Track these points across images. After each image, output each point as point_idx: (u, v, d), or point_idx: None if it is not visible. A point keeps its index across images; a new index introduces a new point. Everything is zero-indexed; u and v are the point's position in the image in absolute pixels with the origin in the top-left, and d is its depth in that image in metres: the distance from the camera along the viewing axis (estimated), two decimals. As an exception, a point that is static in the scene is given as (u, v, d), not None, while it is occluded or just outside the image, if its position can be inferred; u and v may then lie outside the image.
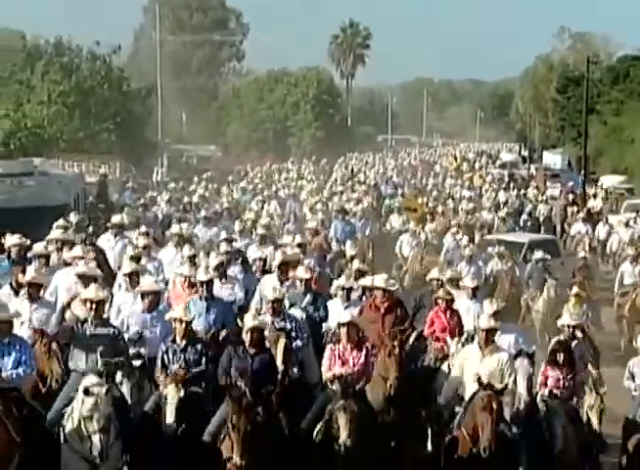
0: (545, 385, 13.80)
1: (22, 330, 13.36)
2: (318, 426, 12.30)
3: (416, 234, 27.11)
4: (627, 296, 23.34)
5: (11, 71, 58.34)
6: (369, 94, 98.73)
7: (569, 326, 14.92)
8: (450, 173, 56.55)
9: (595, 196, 43.43)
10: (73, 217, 22.16)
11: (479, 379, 12.45)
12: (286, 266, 16.63)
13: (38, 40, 61.10)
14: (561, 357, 13.84)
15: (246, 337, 12.75)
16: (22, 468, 11.34)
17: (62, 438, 11.59)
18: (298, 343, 13.96)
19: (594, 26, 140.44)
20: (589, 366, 14.90)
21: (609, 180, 50.43)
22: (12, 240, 18.16)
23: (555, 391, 13.69)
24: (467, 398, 12.86)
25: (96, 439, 11.17)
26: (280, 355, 13.40)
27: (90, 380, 11.52)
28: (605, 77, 63.99)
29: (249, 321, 12.90)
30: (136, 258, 17.42)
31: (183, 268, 16.64)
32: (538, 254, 24.70)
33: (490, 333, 13.35)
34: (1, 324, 12.24)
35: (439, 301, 15.61)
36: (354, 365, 12.85)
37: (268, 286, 15.49)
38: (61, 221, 21.05)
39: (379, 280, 15.07)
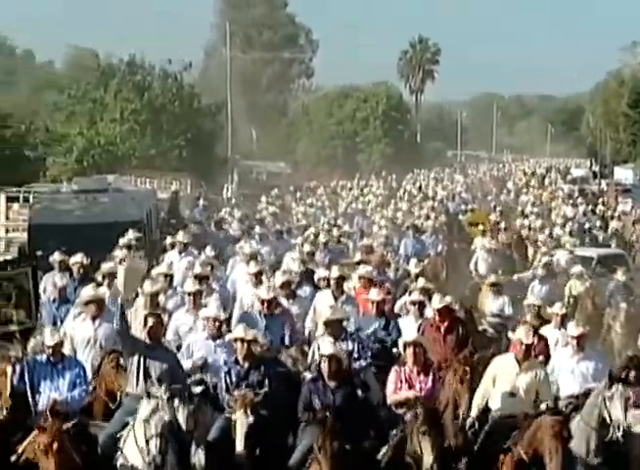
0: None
1: (87, 349, 13.51)
2: (384, 449, 11.99)
3: (491, 251, 26.27)
4: None
5: (85, 90, 58.95)
6: (438, 109, 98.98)
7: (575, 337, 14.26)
8: (524, 190, 56.56)
9: None
10: (132, 235, 21.87)
11: (546, 405, 12.17)
12: (342, 281, 16.29)
13: (111, 59, 62.01)
14: (632, 375, 13.23)
15: (323, 365, 12.25)
16: None
17: (119, 462, 11.42)
18: (362, 363, 13.51)
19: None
20: None
21: (680, 195, 50.44)
22: (74, 258, 18.12)
23: (632, 410, 12.73)
24: (495, 408, 12.53)
25: (152, 444, 11.07)
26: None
27: (153, 388, 11.45)
28: (679, 92, 64.05)
29: (326, 348, 12.47)
30: (200, 278, 16.81)
31: (261, 291, 15.79)
32: (619, 273, 23.82)
33: (528, 347, 12.85)
34: (56, 347, 12.06)
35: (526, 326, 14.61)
36: (421, 390, 12.48)
37: (323, 302, 15.41)
38: (125, 239, 21.19)
39: (435, 301, 14.73)
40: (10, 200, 35.46)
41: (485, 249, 26.22)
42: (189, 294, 15.44)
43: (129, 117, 57.51)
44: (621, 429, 12.18)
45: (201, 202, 41.60)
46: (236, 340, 12.58)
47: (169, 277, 17.90)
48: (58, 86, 64.42)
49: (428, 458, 11.30)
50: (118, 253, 19.27)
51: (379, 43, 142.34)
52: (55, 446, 10.69)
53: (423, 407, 11.72)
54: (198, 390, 12.72)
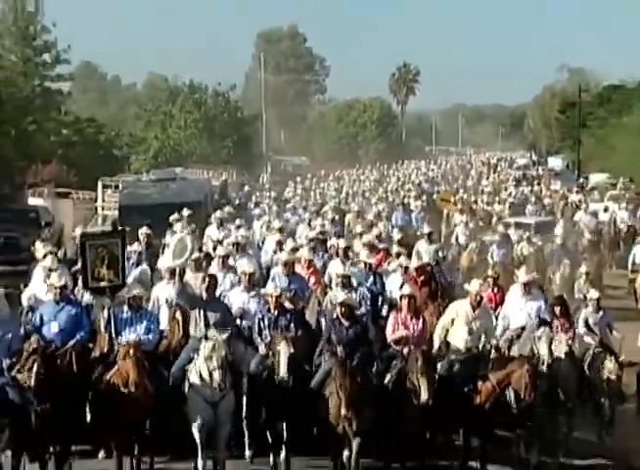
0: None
1: (163, 308, 13.03)
2: (388, 377, 11.58)
3: (467, 225, 25.43)
4: (637, 273, 22.11)
5: (158, 105, 58.85)
6: (418, 116, 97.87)
7: (594, 299, 14.02)
8: (483, 175, 55.85)
9: (577, 192, 41.57)
10: (185, 212, 20.96)
11: (520, 356, 11.80)
12: (347, 249, 15.75)
13: (177, 82, 61.47)
14: (557, 310, 13.12)
15: (338, 310, 11.87)
16: (152, 413, 10.93)
17: (186, 387, 11.06)
18: (362, 310, 12.99)
19: (587, 62, 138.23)
20: (614, 332, 13.83)
21: (596, 177, 49.55)
22: (141, 230, 17.47)
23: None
24: (454, 343, 12.05)
25: (216, 374, 10.64)
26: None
27: (210, 331, 11.14)
28: (593, 101, 63.13)
29: (339, 296, 12.11)
30: (233, 244, 16.20)
31: (303, 251, 15.51)
32: (558, 238, 23.58)
33: (481, 296, 12.35)
34: (135, 299, 11.83)
35: (488, 279, 14.42)
36: (414, 330, 11.99)
37: (335, 266, 14.62)
38: (175, 215, 20.60)
39: (414, 262, 14.45)
40: (104, 187, 35.31)
41: (462, 224, 25.35)
42: (219, 256, 14.84)
43: (191, 125, 57.19)
44: (545, 363, 11.90)
45: (245, 188, 41.71)
46: (268, 295, 12.29)
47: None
48: (138, 103, 64.43)
49: (424, 395, 10.95)
50: (175, 226, 19.04)
51: (373, 68, 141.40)
52: (131, 352, 10.60)
53: (420, 352, 11.34)
54: (245, 326, 12.42)
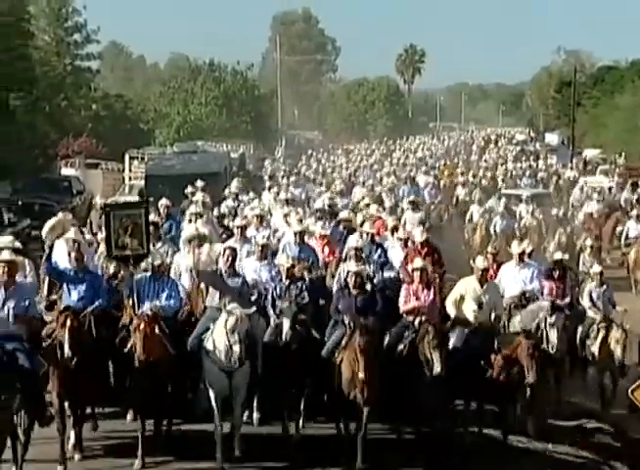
0: (542, 294, 12.92)
1: (188, 274, 12.63)
2: (400, 347, 11.28)
3: (482, 203, 24.94)
4: (631, 246, 21.89)
5: (180, 83, 58.66)
6: (424, 95, 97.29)
7: (599, 273, 13.65)
8: (486, 150, 55.66)
9: (572, 168, 41.75)
10: (199, 183, 20.59)
11: (526, 331, 11.42)
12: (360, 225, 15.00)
13: (198, 61, 61.40)
14: (555, 273, 13.02)
15: (350, 279, 11.53)
16: (173, 373, 10.69)
17: (203, 354, 10.73)
18: (375, 281, 12.59)
19: (582, 44, 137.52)
20: (617, 306, 13.50)
21: (589, 152, 49.80)
22: (161, 201, 16.56)
23: (549, 297, 12.72)
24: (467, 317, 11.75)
25: (236, 347, 10.27)
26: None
27: (233, 305, 10.74)
28: (588, 81, 62.95)
29: (352, 267, 11.77)
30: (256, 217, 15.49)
31: (317, 226, 14.98)
32: (555, 210, 23.72)
33: (486, 271, 12.08)
34: (158, 267, 11.48)
35: (489, 256, 13.72)
36: (425, 301, 11.67)
37: (351, 240, 13.86)
38: (190, 188, 20.19)
39: (417, 235, 13.81)
40: (131, 158, 35.27)
41: (477, 203, 24.72)
42: (237, 227, 14.24)
43: (211, 102, 57.06)
44: (555, 349, 11.77)
45: (266, 162, 41.85)
46: (281, 265, 12.02)
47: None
48: (162, 80, 64.01)
49: (437, 366, 10.65)
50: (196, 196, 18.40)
51: (381, 49, 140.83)
52: (142, 326, 10.27)
53: (433, 326, 11.01)
54: (253, 298, 11.97)
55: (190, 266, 12.60)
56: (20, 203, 26.73)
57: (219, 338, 10.53)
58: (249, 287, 11.89)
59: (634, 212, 23.60)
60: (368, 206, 18.27)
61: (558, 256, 13.75)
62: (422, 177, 30.53)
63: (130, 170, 34.77)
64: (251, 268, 12.60)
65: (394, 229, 15.18)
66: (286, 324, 11.11)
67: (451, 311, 11.93)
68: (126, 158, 35.30)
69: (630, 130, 46.57)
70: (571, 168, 42.67)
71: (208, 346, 10.69)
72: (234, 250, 12.00)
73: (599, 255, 19.54)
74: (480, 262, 12.10)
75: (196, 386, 11.17)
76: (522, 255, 13.30)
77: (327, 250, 14.06)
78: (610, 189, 31.51)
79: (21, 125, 34.97)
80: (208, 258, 12.79)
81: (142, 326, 10.24)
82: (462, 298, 11.90)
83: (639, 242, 21.86)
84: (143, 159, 34.41)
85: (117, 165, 37.05)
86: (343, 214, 16.35)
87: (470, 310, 11.80)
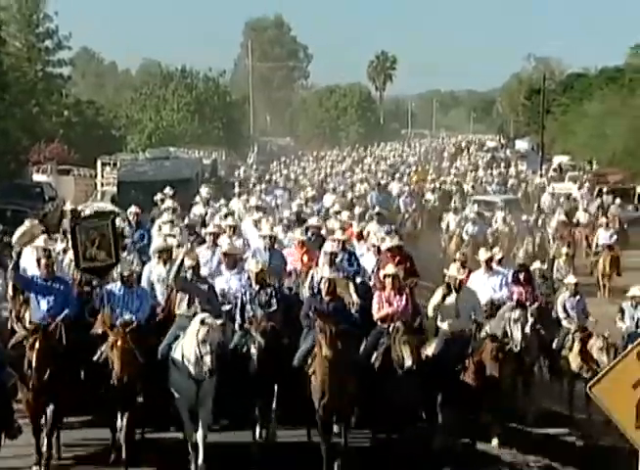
0: (511, 299, 12.84)
1: (160, 284, 12.43)
2: (375, 354, 11.15)
3: (458, 212, 25.26)
4: (599, 254, 22.22)
5: (152, 89, 58.73)
6: (395, 101, 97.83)
7: (574, 283, 13.65)
8: (458, 157, 56.15)
9: (541, 175, 42.59)
10: (168, 190, 20.52)
11: (491, 335, 11.41)
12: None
13: (169, 67, 61.42)
14: (522, 276, 13.13)
15: (323, 286, 11.44)
16: (145, 382, 10.61)
17: (170, 363, 10.64)
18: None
19: (553, 52, 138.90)
20: (590, 317, 13.57)
21: (558, 159, 50.50)
22: (130, 209, 16.51)
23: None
24: (444, 326, 11.73)
25: (207, 358, 10.16)
26: (354, 294, 12.32)
27: (204, 314, 10.61)
28: (557, 88, 63.74)
29: (325, 272, 11.66)
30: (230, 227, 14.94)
31: (296, 233, 14.69)
32: (525, 216, 24.10)
33: (461, 280, 11.91)
34: (128, 277, 11.34)
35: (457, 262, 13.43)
36: (398, 307, 11.55)
37: (326, 246, 13.31)
38: (159, 195, 20.16)
39: (388, 242, 13.74)
40: (103, 164, 35.47)
41: (452, 212, 25.07)
42: (209, 234, 14.24)
43: (183, 108, 57.23)
44: (518, 346, 11.75)
45: (242, 168, 42.00)
46: (250, 271, 11.79)
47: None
48: (133, 87, 64.08)
49: (408, 361, 10.63)
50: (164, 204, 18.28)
51: (353, 56, 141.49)
52: (119, 343, 10.17)
53: (402, 322, 11.03)
54: (226, 308, 11.93)
55: (162, 277, 12.42)
56: (-9, 209, 26.80)
57: (189, 347, 10.41)
58: (216, 294, 11.81)
59: (603, 220, 23.80)
60: (339, 213, 18.30)
61: (520, 259, 14.09)
62: (395, 185, 30.91)
63: (102, 176, 35.02)
64: (222, 279, 12.50)
65: (360, 235, 15.33)
66: (257, 337, 10.88)
67: (430, 313, 11.93)
68: (98, 164, 35.58)
69: (598, 137, 47.28)
70: (541, 175, 43.34)
71: (177, 355, 10.59)
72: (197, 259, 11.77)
73: (573, 262, 19.47)
74: (452, 270, 11.95)
75: (165, 395, 10.92)
76: (489, 262, 13.21)
77: (306, 257, 13.79)
78: (580, 197, 31.84)
79: (-7, 132, 35.01)
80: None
81: (119, 343, 10.16)
82: (439, 305, 11.82)
83: (607, 250, 22.05)
84: (115, 165, 34.65)
85: (90, 172, 37.21)
86: (312, 221, 16.27)
87: (446, 319, 11.73)
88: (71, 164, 38.59)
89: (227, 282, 12.45)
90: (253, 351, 10.84)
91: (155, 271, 12.74)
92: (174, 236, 14.21)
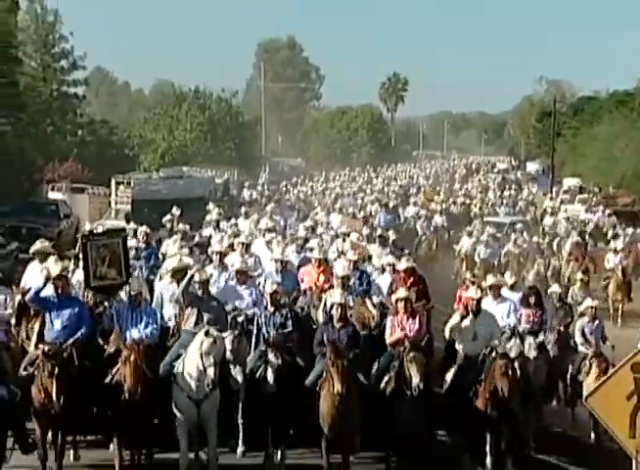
0: (519, 322, 12.73)
1: (171, 304, 12.39)
2: (386, 378, 11.08)
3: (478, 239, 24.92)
4: (609, 278, 21.64)
5: (165, 109, 59.23)
6: (406, 123, 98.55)
7: (592, 307, 13.62)
8: (469, 179, 56.42)
9: (551, 198, 42.74)
10: (176, 211, 20.52)
11: (500, 352, 11.11)
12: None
13: (183, 88, 61.98)
14: (532, 299, 12.95)
15: (335, 312, 11.41)
16: (154, 402, 10.56)
17: (173, 381, 10.59)
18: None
19: (565, 74, 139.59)
20: (607, 342, 13.46)
21: (568, 181, 50.85)
22: (140, 228, 16.47)
23: (526, 325, 12.74)
24: (461, 349, 11.67)
25: (210, 371, 10.13)
26: (372, 309, 12.58)
27: (209, 327, 10.62)
28: (568, 111, 64.27)
29: (336, 298, 11.60)
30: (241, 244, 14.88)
31: (314, 253, 14.57)
32: (535, 238, 24.19)
33: (479, 301, 11.86)
34: (137, 296, 11.33)
35: (467, 282, 14.08)
36: (410, 331, 11.49)
37: (338, 267, 13.28)
38: (168, 216, 20.11)
39: (403, 263, 13.64)
40: (118, 183, 35.63)
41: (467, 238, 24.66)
42: (216, 252, 14.14)
43: (196, 128, 57.61)
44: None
45: (246, 185, 42.39)
46: (265, 293, 11.92)
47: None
48: (146, 106, 64.76)
49: (415, 379, 10.49)
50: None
51: (365, 77, 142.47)
52: (132, 357, 10.21)
53: (409, 341, 11.01)
54: (240, 319, 12.04)
55: (176, 296, 12.23)
56: (7, 226, 27.31)
57: (191, 362, 10.39)
58: (225, 311, 11.83)
59: (612, 245, 23.29)
60: (347, 235, 18.11)
61: (530, 282, 14.00)
62: (411, 208, 30.87)
63: (116, 195, 35.20)
64: (234, 293, 12.53)
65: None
66: (270, 377, 10.86)
67: (448, 335, 11.87)
68: (112, 182, 35.73)
69: (607, 159, 47.64)
70: (551, 198, 43.61)
71: (178, 373, 10.54)
72: (207, 280, 11.81)
73: (588, 288, 18.92)
74: (471, 292, 11.87)
75: (168, 415, 10.82)
76: (494, 288, 12.65)
77: (322, 277, 13.75)
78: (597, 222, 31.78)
79: (10, 150, 35.56)
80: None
81: (132, 358, 10.19)
82: (457, 327, 11.75)
83: (617, 273, 21.67)
84: (129, 183, 34.88)
85: (104, 190, 37.47)
86: (312, 244, 16.22)
87: (463, 343, 11.69)
88: (85, 183, 39.07)
89: (240, 298, 12.48)
90: (270, 374, 10.84)
91: (167, 291, 12.67)
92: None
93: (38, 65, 47.90)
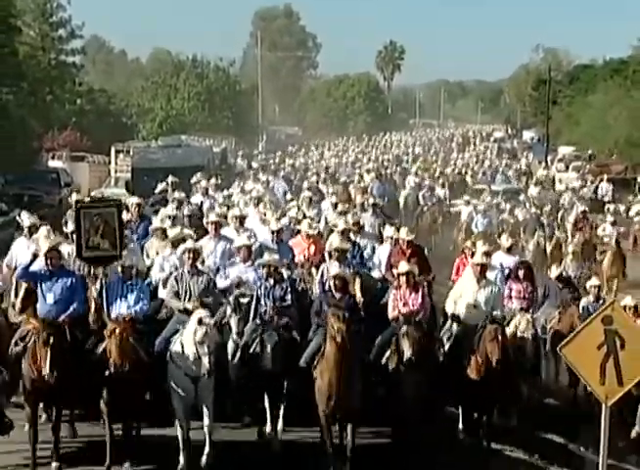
0: (510, 297, 12.42)
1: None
2: (388, 353, 10.93)
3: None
4: (604, 253, 20.42)
5: (163, 78, 59.46)
6: (403, 91, 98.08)
7: (596, 286, 13.24)
8: (466, 148, 56.35)
9: (546, 168, 42.74)
10: (170, 178, 20.30)
11: (492, 318, 11.00)
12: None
13: (180, 56, 62.43)
14: (521, 273, 12.58)
15: (331, 282, 11.25)
16: (145, 379, 10.34)
17: (169, 357, 10.41)
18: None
19: (562, 42, 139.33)
20: None
21: (564, 149, 51.45)
22: (131, 200, 15.80)
23: (516, 301, 12.38)
24: (461, 318, 11.50)
25: (205, 360, 9.98)
26: (358, 291, 12.05)
27: (202, 312, 10.33)
28: (564, 80, 64.56)
29: (333, 269, 11.48)
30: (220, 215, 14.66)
31: (303, 226, 14.32)
32: (533, 208, 23.73)
33: (483, 268, 11.68)
34: (128, 269, 11.16)
35: (466, 251, 13.56)
36: (413, 305, 11.31)
37: (333, 240, 12.92)
38: (163, 184, 20.05)
39: (403, 233, 13.41)
40: (117, 152, 35.98)
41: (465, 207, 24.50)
42: (211, 222, 13.70)
43: (193, 97, 57.90)
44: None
45: (240, 153, 42.77)
46: (265, 265, 11.67)
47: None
48: (144, 75, 64.87)
49: (407, 352, 10.42)
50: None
51: (361, 46, 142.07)
52: (117, 331, 9.95)
53: (402, 315, 10.90)
54: (245, 301, 11.67)
55: (176, 265, 12.23)
56: (10, 194, 27.93)
57: (188, 346, 10.21)
58: (215, 286, 11.68)
59: (609, 218, 22.74)
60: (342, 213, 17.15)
61: (530, 252, 13.91)
62: (411, 178, 30.58)
63: (116, 163, 35.55)
64: (237, 269, 12.31)
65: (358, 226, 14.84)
66: (269, 355, 10.71)
67: (450, 310, 11.69)
68: (112, 151, 36.11)
69: (601, 128, 48.09)
70: (545, 168, 43.94)
71: (176, 349, 10.36)
72: (196, 250, 11.65)
73: (581, 261, 18.47)
74: (476, 258, 11.73)
75: (163, 390, 10.67)
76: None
77: (313, 248, 13.61)
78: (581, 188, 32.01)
79: (12, 119, 36.04)
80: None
81: (117, 331, 9.94)
82: (460, 296, 11.60)
83: (611, 250, 20.64)
84: (128, 152, 35.24)
85: (103, 158, 37.87)
86: (292, 213, 16.25)
87: (463, 310, 11.53)
88: (84, 152, 39.52)
89: (243, 274, 12.21)
90: (268, 347, 10.70)
91: (168, 262, 12.60)
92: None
93: (37, 34, 48.20)
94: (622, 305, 11.86)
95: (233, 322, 11.24)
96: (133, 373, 9.91)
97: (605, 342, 8.61)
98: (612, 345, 8.57)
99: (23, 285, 11.65)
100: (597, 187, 33.33)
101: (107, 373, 9.95)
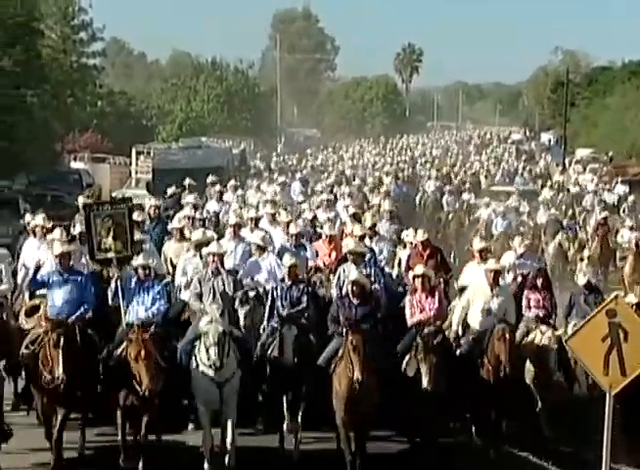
0: (529, 308, 12.25)
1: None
2: (407, 357, 10.79)
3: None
4: (625, 259, 19.95)
5: (183, 80, 59.98)
6: (421, 93, 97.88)
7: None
8: (484, 149, 56.42)
9: (563, 171, 42.56)
10: (187, 181, 20.56)
11: (500, 319, 11.03)
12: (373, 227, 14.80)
13: (200, 59, 63.21)
14: (539, 282, 12.37)
15: (349, 288, 11.08)
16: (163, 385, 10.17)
17: (193, 364, 10.34)
18: (377, 286, 12.21)
19: (581, 44, 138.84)
20: None
21: (581, 151, 51.29)
22: (150, 202, 16.02)
23: (535, 310, 12.17)
24: (476, 326, 11.39)
25: (212, 351, 9.91)
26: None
27: (213, 311, 10.56)
28: (582, 82, 64.59)
29: (352, 274, 11.31)
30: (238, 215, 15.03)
31: (325, 229, 14.41)
32: (553, 209, 23.47)
33: (497, 274, 11.53)
34: (142, 269, 11.03)
35: (476, 254, 13.08)
36: (430, 310, 11.14)
37: (348, 243, 12.85)
38: (172, 189, 20.47)
39: (419, 235, 13.50)
40: (138, 153, 35.67)
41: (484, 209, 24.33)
42: (231, 225, 13.92)
43: (213, 99, 58.44)
44: None
45: (258, 155, 43.07)
46: (285, 266, 11.62)
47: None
48: (163, 77, 65.44)
49: (425, 380, 10.33)
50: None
51: (380, 48, 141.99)
52: (142, 353, 9.83)
53: (421, 337, 10.56)
54: (252, 294, 11.78)
55: (199, 269, 12.20)
56: (34, 194, 28.47)
57: (211, 350, 10.11)
58: (242, 285, 11.78)
59: (627, 223, 22.22)
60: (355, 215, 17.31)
61: (550, 255, 13.88)
62: (432, 183, 30.45)
63: (137, 164, 35.59)
64: (254, 266, 12.47)
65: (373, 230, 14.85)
66: (289, 351, 10.70)
67: (458, 318, 11.65)
68: (133, 152, 36.23)
69: (619, 130, 48.17)
70: (562, 171, 43.51)
71: (200, 354, 10.27)
72: (221, 255, 11.72)
73: (597, 266, 18.34)
74: (490, 264, 11.63)
75: (185, 396, 10.76)
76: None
77: (334, 253, 13.57)
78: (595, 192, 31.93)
79: (36, 121, 36.69)
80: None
81: (142, 353, 9.83)
82: (470, 301, 11.52)
83: (633, 254, 20.00)
84: (149, 153, 35.52)
85: (124, 160, 38.28)
86: (306, 215, 16.59)
87: (476, 317, 11.42)
88: (105, 153, 39.98)
89: (258, 269, 12.38)
90: (289, 341, 10.64)
91: (191, 264, 12.61)
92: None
93: (59, 37, 48.81)
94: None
95: (241, 314, 11.34)
96: (150, 379, 9.83)
97: (609, 334, 8.92)
98: (615, 337, 8.88)
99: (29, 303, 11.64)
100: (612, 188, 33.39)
101: (126, 380, 9.91)
